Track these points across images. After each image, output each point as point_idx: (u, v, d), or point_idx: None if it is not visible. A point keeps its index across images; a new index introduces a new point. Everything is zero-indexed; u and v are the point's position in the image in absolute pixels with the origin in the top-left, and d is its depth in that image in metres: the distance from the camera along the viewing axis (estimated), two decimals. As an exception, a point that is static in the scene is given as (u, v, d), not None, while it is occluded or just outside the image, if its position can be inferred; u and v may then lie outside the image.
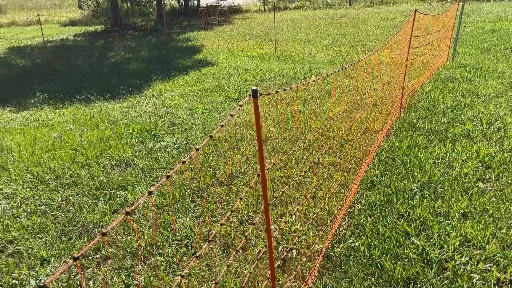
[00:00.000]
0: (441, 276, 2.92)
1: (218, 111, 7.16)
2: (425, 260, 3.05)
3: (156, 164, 5.04)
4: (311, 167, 4.72)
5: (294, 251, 3.25)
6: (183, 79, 10.00)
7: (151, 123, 6.50)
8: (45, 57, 13.72)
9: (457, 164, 4.46)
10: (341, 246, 3.29)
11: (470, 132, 5.33)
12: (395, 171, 4.40)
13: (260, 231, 3.61)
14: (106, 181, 4.61)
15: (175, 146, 5.55)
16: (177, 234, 3.63)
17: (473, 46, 11.38)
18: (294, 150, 3.29)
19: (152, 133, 6.09)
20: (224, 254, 3.33)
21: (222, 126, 1.77)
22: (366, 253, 3.18)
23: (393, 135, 5.47)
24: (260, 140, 1.88)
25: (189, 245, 3.50)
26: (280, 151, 5.23)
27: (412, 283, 2.87)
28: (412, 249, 3.16)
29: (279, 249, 3.29)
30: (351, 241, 3.34)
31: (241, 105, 1.78)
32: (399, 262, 3.05)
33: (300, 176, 4.52)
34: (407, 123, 5.86)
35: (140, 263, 3.28)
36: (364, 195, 4.03)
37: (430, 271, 2.93)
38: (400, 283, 2.87)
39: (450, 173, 4.26)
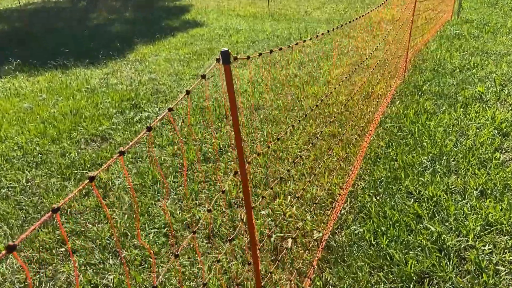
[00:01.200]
0: (460, 268, 2.49)
1: (207, 76, 6.59)
2: (441, 250, 2.62)
3: (135, 136, 4.53)
4: (308, 139, 4.23)
5: (290, 241, 2.81)
6: (169, 41, 9.33)
7: (132, 91, 5.94)
8: (23, 20, 12.89)
9: (471, 132, 3.97)
10: (343, 233, 2.85)
11: (483, 95, 4.82)
12: (402, 142, 3.92)
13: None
14: (78, 158, 4.11)
15: (158, 117, 5.02)
16: (156, 220, 3.17)
17: (478, 0, 10.67)
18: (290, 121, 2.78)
19: (133, 102, 5.54)
20: (209, 245, 2.89)
21: (188, 92, 1.26)
22: (373, 242, 2.74)
23: (397, 100, 4.96)
24: (236, 120, 1.38)
25: (168, 235, 3.05)
26: (273, 121, 4.72)
27: (427, 279, 2.44)
28: (425, 236, 2.72)
29: (272, 238, 2.85)
30: (354, 227, 2.89)
31: (204, 76, 1.26)
32: (411, 252, 2.61)
33: (295, 150, 4.04)
34: (412, 86, 5.34)
35: (112, 258, 2.84)
36: (368, 170, 3.57)
37: (448, 263, 2.50)
38: (413, 278, 2.44)
39: (464, 143, 3.78)
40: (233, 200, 3.35)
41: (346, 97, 5.12)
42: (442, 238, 2.68)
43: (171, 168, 3.87)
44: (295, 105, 5.14)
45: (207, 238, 2.96)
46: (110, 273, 2.70)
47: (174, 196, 3.48)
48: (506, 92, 4.84)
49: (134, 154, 4.18)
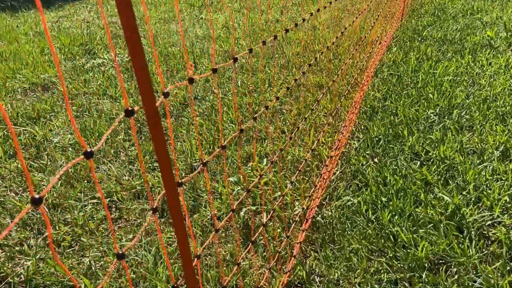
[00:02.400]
0: (486, 251, 1.91)
1: (176, 21, 5.76)
2: (460, 227, 2.02)
3: (85, 88, 3.78)
4: (291, 91, 3.54)
5: (265, 215, 2.18)
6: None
7: (86, 36, 5.10)
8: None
9: (484, 81, 3.34)
10: (333, 205, 2.22)
11: (493, 41, 4.16)
12: (403, 93, 3.27)
13: (217, 181, 2.51)
14: (10, 111, 3.36)
15: (114, 65, 4.25)
16: (97, 189, 2.50)
17: None
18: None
19: (86, 47, 4.72)
20: (164, 220, 2.25)
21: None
22: (371, 217, 2.13)
23: (395, 47, 4.27)
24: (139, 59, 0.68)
25: (114, 206, 2.40)
26: (249, 70, 4.00)
27: (444, 265, 1.86)
28: (438, 209, 2.11)
29: (242, 213, 2.21)
30: (347, 197, 2.27)
31: None
32: (421, 231, 2.01)
33: (275, 104, 3.35)
34: (411, 32, 4.64)
35: (33, 237, 2.18)
36: (362, 127, 2.92)
37: (470, 245, 1.91)
38: (426, 265, 1.85)
39: (477, 94, 3.15)
40: (196, 164, 2.69)
41: (336, 43, 4.41)
42: (461, 212, 2.08)
43: (123, 123, 3.16)
44: (275, 52, 4.41)
45: (161, 212, 2.31)
46: (28, 258, 2.05)
47: (124, 158, 2.80)
48: (518, 38, 4.19)
49: (80, 106, 3.45)
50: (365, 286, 1.78)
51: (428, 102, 3.10)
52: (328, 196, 2.32)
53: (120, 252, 0.81)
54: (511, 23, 4.66)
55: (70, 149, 2.89)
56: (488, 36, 4.22)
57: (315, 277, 1.88)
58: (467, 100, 3.08)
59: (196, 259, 1.04)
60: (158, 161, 0.83)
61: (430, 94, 3.19)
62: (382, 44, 4.24)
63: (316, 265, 1.92)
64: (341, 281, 1.82)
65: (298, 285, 1.86)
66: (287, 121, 3.07)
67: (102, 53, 4.56)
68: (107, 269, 1.96)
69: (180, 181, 0.92)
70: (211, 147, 2.82)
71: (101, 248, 2.09)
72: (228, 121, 3.11)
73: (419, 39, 4.40)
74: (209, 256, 1.98)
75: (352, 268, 1.88)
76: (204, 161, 1.02)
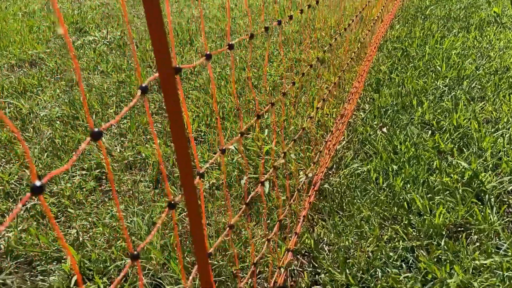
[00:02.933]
0: (506, 219, 1.76)
1: (171, 1, 5.58)
2: (479, 195, 1.87)
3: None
4: (291, 65, 3.39)
5: (267, 185, 2.01)
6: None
7: (77, 16, 4.91)
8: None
9: (493, 54, 3.19)
10: (341, 173, 2.07)
11: (499, 18, 4.02)
12: (409, 66, 3.12)
13: (214, 152, 2.35)
14: (-5, 86, 3.18)
15: (106, 42, 4.07)
16: (85, 160, 2.33)
17: None
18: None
19: (77, 26, 4.53)
20: (157, 191, 2.08)
21: None
22: (382, 185, 1.98)
23: (398, 25, 4.12)
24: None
25: (103, 179, 2.23)
26: (247, 47, 3.84)
27: (463, 233, 1.71)
28: (454, 175, 1.96)
29: (243, 180, 2.05)
30: (355, 165, 2.11)
31: None
32: (437, 198, 1.86)
33: (275, 77, 3.20)
34: (414, 11, 4.49)
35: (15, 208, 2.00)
36: (368, 99, 2.77)
37: (491, 212, 1.76)
38: (443, 232, 1.70)
39: (487, 66, 3.00)
40: (193, 134, 2.52)
41: (336, 21, 4.25)
42: (479, 178, 1.93)
43: (115, 97, 2.99)
44: (274, 30, 4.25)
45: (153, 182, 2.15)
46: (9, 229, 1.87)
47: (115, 131, 2.63)
48: (525, 16, 4.05)
49: (69, 81, 3.27)
50: (379, 254, 1.62)
51: (436, 74, 2.95)
52: (334, 165, 2.16)
53: (135, 252, 0.67)
54: (516, 3, 4.53)
55: (57, 122, 2.71)
56: (494, 13, 4.08)
57: (324, 245, 1.72)
58: (477, 72, 2.93)
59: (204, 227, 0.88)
60: (172, 132, 0.70)
61: (438, 67, 3.05)
62: (385, 22, 4.09)
63: (324, 233, 1.77)
64: (352, 250, 1.67)
65: (306, 254, 1.71)
66: (288, 95, 2.90)
67: (93, 31, 4.37)
68: (96, 240, 1.79)
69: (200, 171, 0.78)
70: (209, 119, 2.65)
71: (89, 219, 1.92)
72: (227, 94, 2.94)
73: (422, 17, 4.25)
74: (208, 226, 1.82)
75: (364, 236, 1.72)
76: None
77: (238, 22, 4.62)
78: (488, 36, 3.55)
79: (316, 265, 1.64)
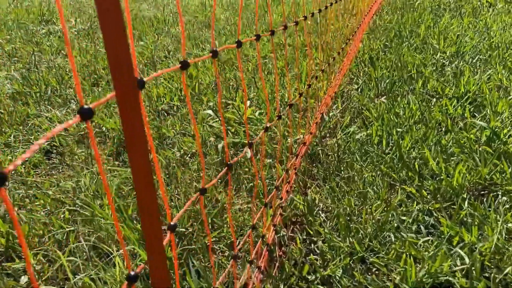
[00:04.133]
0: (536, 181, 1.45)
1: (148, 1, 5.32)
2: (500, 156, 1.56)
3: (36, 47, 3.25)
4: (275, 48, 3.10)
5: (249, 150, 1.68)
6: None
7: (47, 10, 4.59)
8: None
9: (492, 33, 2.97)
10: (337, 137, 1.75)
11: (492, 6, 3.84)
12: (404, 44, 2.86)
13: (188, 122, 2.01)
14: None
15: (74, 30, 3.74)
16: (34, 132, 1.97)
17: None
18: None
19: (44, 17, 4.21)
20: (117, 163, 1.73)
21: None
22: (385, 148, 1.66)
23: (386, 14, 3.91)
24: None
25: (52, 152, 1.87)
26: (228, 34, 3.56)
27: (487, 195, 1.39)
28: (471, 135, 1.66)
29: (220, 145, 1.71)
30: (352, 129, 1.80)
31: None
32: (452, 159, 1.55)
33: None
34: (400, 3, 4.31)
35: None
36: (361, 73, 2.48)
37: (518, 172, 1.46)
38: (463, 194, 1.37)
39: (487, 43, 2.76)
40: (164, 106, 2.20)
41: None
42: (500, 138, 1.63)
43: (79, 76, 2.64)
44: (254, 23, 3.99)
45: (113, 155, 1.79)
46: None
47: (74, 107, 2.28)
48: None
49: (27, 63, 2.92)
50: (389, 217, 1.29)
51: (434, 50, 2.70)
52: (329, 132, 1.84)
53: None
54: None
55: (7, 100, 2.35)
56: (487, 2, 3.91)
57: (319, 212, 1.38)
58: (477, 48, 2.68)
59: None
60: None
61: (435, 44, 2.79)
62: (372, 9, 3.87)
63: (318, 199, 1.43)
64: (354, 217, 1.33)
65: (298, 222, 1.36)
66: (272, 72, 2.61)
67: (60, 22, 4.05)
68: (37, 213, 1.42)
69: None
70: (181, 92, 2.33)
71: (30, 192, 1.55)
72: (204, 69, 2.63)
73: (411, 9, 4.05)
74: (177, 196, 1.47)
75: (368, 198, 1.39)
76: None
77: (219, 17, 4.36)
78: (484, 20, 3.35)
79: (312, 233, 1.29)
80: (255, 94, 2.25)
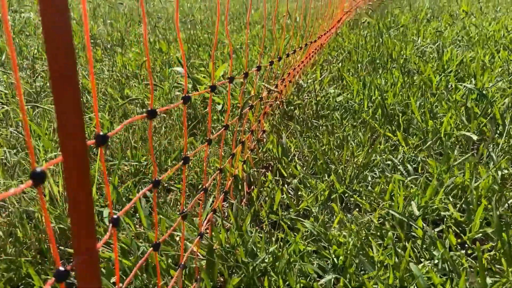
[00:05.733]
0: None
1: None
2: (487, 114, 1.46)
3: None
4: (254, 35, 3.02)
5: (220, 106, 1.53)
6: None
7: None
8: None
9: (471, 30, 2.95)
10: (317, 95, 1.62)
11: (468, 15, 3.87)
12: (383, 37, 2.80)
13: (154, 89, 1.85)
14: None
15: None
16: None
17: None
18: None
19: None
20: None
21: None
22: (365, 107, 1.54)
23: (364, 17, 3.89)
24: None
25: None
26: (203, 28, 3.46)
27: (480, 144, 1.27)
28: (457, 97, 1.56)
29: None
30: (332, 91, 1.68)
31: None
32: (439, 115, 1.44)
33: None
34: (377, 14, 4.32)
35: None
36: (341, 57, 2.39)
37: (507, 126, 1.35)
38: (452, 146, 1.25)
39: (466, 37, 2.73)
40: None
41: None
42: (487, 98, 1.53)
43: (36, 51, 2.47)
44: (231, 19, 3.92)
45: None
46: None
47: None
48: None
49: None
50: (372, 157, 1.15)
51: (413, 42, 2.64)
52: (307, 95, 1.71)
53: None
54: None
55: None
56: (463, 11, 3.94)
57: (294, 158, 1.23)
58: (457, 39, 2.64)
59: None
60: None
61: (414, 36, 2.75)
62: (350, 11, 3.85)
63: (295, 148, 1.28)
64: (333, 160, 1.18)
65: (270, 165, 1.20)
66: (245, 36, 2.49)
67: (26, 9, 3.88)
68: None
69: None
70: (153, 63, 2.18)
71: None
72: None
73: (391, 16, 4.05)
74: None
75: (349, 147, 1.24)
76: None
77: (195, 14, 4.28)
78: (460, 22, 3.35)
79: (285, 175, 1.13)
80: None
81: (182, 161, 0.67)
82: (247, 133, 1.14)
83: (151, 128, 0.51)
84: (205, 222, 0.86)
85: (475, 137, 1.24)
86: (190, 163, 1.19)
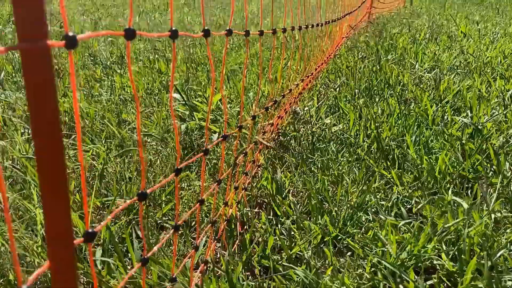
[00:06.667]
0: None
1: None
2: (484, 150, 1.46)
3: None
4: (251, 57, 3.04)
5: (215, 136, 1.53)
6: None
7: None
8: None
9: (468, 54, 2.97)
10: (313, 125, 1.62)
11: (466, 36, 3.90)
12: (382, 61, 2.82)
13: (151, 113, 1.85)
14: None
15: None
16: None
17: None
18: None
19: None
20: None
21: None
22: (362, 142, 1.55)
23: (362, 36, 3.92)
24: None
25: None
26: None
27: (472, 185, 1.27)
28: (451, 134, 1.56)
29: (184, 126, 1.56)
30: (329, 121, 1.69)
31: None
32: (434, 150, 1.44)
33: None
34: (379, 30, 4.35)
35: None
36: (339, 81, 2.40)
37: (505, 160, 1.35)
38: (446, 185, 1.25)
39: (463, 63, 2.75)
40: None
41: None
42: (482, 134, 1.53)
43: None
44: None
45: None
46: None
47: None
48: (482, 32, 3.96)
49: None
50: (366, 198, 1.15)
51: (412, 65, 2.66)
52: (303, 125, 1.72)
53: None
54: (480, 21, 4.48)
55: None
56: (461, 32, 3.97)
57: (288, 195, 1.23)
58: (455, 64, 2.66)
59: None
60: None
61: (412, 60, 2.76)
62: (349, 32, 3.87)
63: (289, 184, 1.28)
64: (328, 199, 1.18)
65: (264, 202, 1.20)
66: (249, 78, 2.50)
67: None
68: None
69: None
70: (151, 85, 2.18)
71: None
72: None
73: (388, 38, 4.08)
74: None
75: (344, 185, 1.25)
76: None
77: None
78: (459, 44, 3.37)
79: (279, 214, 1.13)
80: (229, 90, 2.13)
81: (174, 172, 0.66)
82: (241, 175, 1.14)
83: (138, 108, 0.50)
84: (197, 272, 0.86)
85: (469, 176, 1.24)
86: (184, 199, 1.19)
